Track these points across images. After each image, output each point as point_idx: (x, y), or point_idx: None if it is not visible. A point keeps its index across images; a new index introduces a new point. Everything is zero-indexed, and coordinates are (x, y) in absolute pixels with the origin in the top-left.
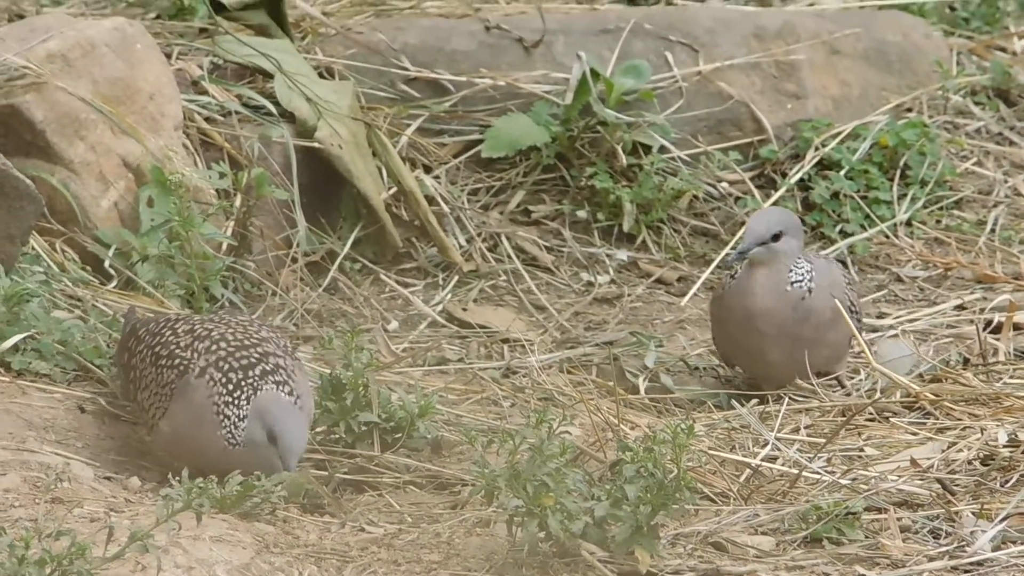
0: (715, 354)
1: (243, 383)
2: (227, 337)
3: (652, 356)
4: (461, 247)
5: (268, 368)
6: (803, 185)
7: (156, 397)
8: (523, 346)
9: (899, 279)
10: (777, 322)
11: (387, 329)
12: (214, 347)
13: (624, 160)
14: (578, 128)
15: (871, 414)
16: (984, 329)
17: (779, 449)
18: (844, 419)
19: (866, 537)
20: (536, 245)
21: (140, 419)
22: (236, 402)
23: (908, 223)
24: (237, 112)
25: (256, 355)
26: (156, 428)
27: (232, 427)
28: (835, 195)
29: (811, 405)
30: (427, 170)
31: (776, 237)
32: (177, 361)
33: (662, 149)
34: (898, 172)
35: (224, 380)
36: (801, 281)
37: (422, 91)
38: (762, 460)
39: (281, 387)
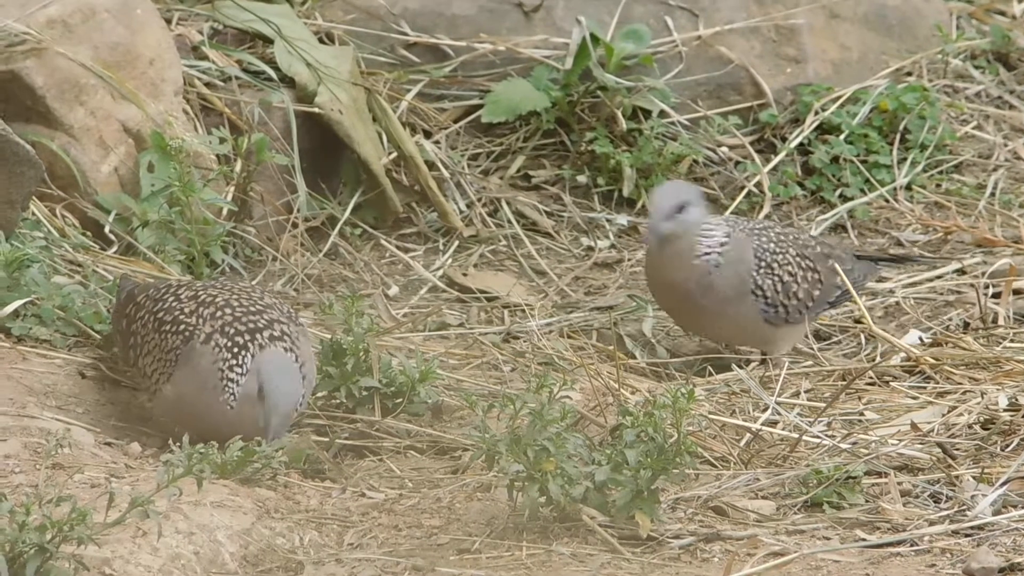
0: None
1: (248, 345)
2: (231, 303)
3: (649, 323)
4: (461, 212)
5: (275, 333)
6: (803, 149)
7: (160, 363)
8: (523, 311)
9: (899, 243)
10: (681, 293)
11: (387, 294)
12: (219, 313)
13: (624, 125)
14: (578, 93)
15: (871, 378)
16: (985, 293)
17: (779, 413)
18: (844, 383)
19: (866, 501)
20: (536, 210)
21: (141, 384)
22: (240, 364)
23: (908, 187)
24: (237, 77)
25: (263, 321)
26: (159, 393)
27: (234, 388)
28: (835, 159)
29: (812, 369)
30: (427, 135)
31: (681, 209)
32: (182, 327)
33: (662, 114)
34: (898, 136)
35: (229, 344)
36: (710, 254)
37: (422, 56)
38: (762, 424)
39: (285, 348)
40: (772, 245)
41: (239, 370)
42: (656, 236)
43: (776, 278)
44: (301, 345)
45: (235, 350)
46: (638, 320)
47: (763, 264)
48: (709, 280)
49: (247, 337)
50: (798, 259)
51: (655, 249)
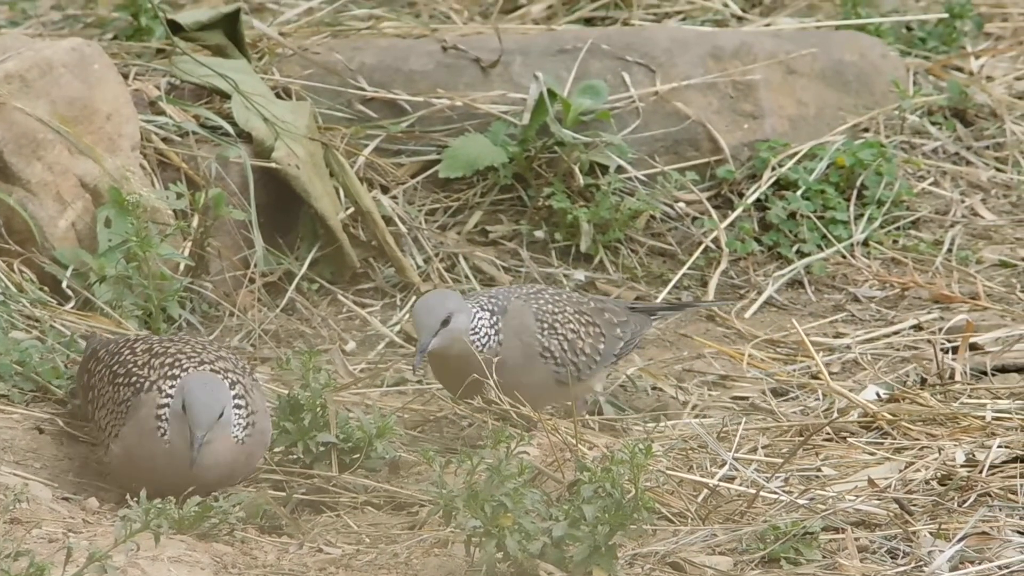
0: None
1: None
2: (185, 352)
3: (601, 380)
4: (419, 267)
5: (213, 369)
6: (760, 205)
7: (112, 415)
8: None
9: (856, 299)
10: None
11: (345, 350)
12: (168, 361)
13: (581, 180)
14: (535, 148)
15: (828, 434)
16: (942, 349)
17: (737, 469)
18: (802, 439)
19: (824, 557)
20: (494, 265)
21: (98, 438)
22: (172, 393)
23: (865, 243)
24: (194, 132)
25: (214, 370)
26: (109, 449)
27: (164, 415)
28: (792, 215)
29: (769, 424)
30: (384, 190)
31: (446, 321)
32: (134, 379)
33: (619, 169)
34: (855, 192)
35: (168, 386)
36: (487, 342)
37: (379, 111)
38: (720, 480)
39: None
40: (550, 306)
41: (169, 398)
42: (421, 357)
43: (561, 337)
44: (254, 397)
45: (172, 385)
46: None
47: (546, 326)
48: (499, 361)
49: (183, 372)
50: (577, 316)
51: (419, 368)
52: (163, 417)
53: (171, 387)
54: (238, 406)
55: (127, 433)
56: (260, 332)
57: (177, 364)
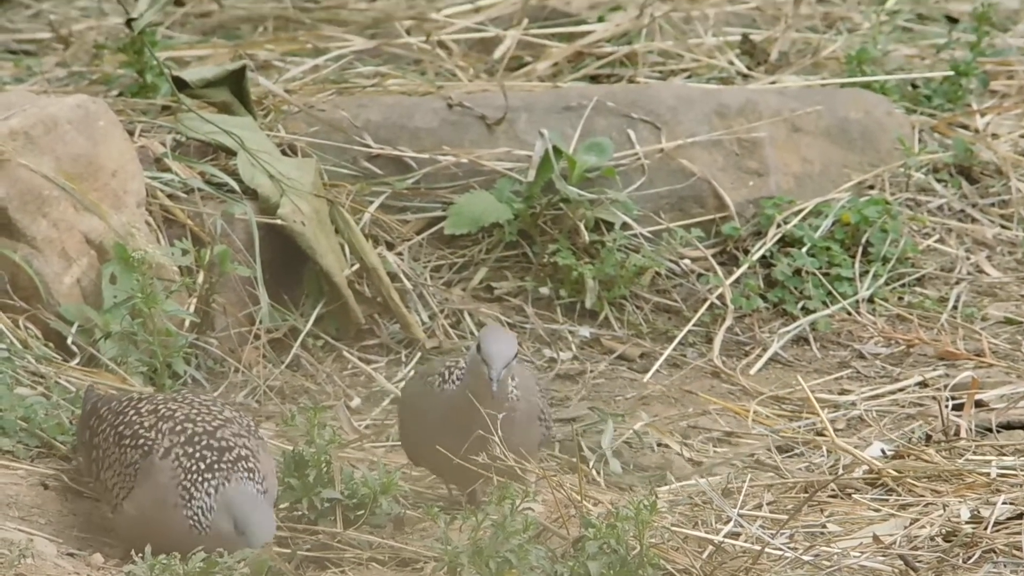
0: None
1: (213, 468)
2: (192, 417)
3: (608, 436)
4: (424, 324)
5: (237, 455)
6: (765, 262)
7: (120, 477)
8: None
9: (861, 356)
10: (477, 428)
11: (350, 406)
12: (178, 427)
13: (587, 237)
14: (541, 205)
15: (834, 490)
16: (947, 406)
17: (742, 525)
18: (807, 495)
19: None
20: (499, 322)
21: (103, 497)
22: (204, 487)
23: (870, 300)
24: (200, 189)
25: (224, 438)
26: (120, 508)
27: (200, 513)
28: (797, 272)
29: (774, 481)
30: (390, 247)
31: (515, 356)
32: (141, 441)
33: (624, 226)
34: (860, 249)
35: (189, 464)
36: (511, 392)
37: (385, 168)
38: (725, 536)
39: (250, 475)
40: (533, 370)
41: (202, 495)
42: (497, 384)
43: (546, 401)
44: (262, 459)
45: (198, 468)
46: (599, 433)
47: (541, 389)
48: (512, 417)
49: (210, 459)
50: (539, 380)
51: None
52: (192, 509)
53: (200, 472)
54: (250, 477)
55: (140, 496)
56: (265, 388)
57: (197, 436)
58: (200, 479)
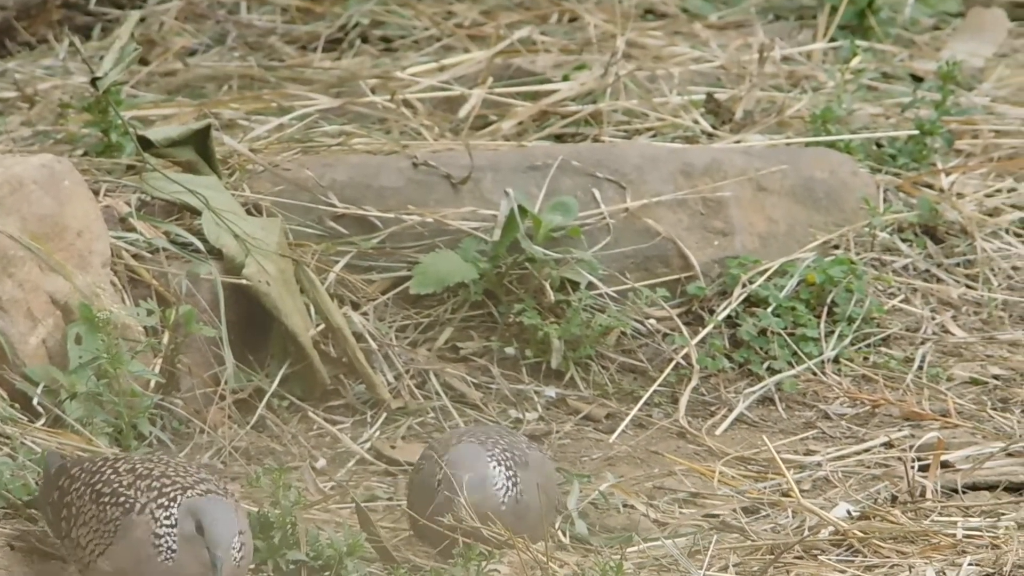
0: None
1: (177, 498)
2: (168, 474)
3: (574, 498)
4: (389, 384)
5: (207, 489)
6: (730, 322)
7: (97, 534)
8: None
9: (827, 416)
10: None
11: (315, 467)
12: (155, 483)
13: (552, 296)
14: (506, 264)
15: (800, 552)
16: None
17: None
18: (772, 557)
19: None
20: (464, 382)
21: (72, 555)
22: (169, 517)
23: (836, 360)
24: (165, 249)
25: (199, 492)
26: (93, 565)
27: (167, 537)
28: (762, 332)
29: (740, 543)
30: (355, 307)
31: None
32: (122, 499)
33: (590, 285)
34: (825, 309)
35: (161, 510)
36: (505, 492)
37: (350, 227)
38: None
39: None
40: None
41: (168, 523)
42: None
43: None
44: (240, 517)
45: (166, 509)
46: (565, 493)
47: (561, 478)
48: (516, 511)
49: (178, 494)
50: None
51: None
52: (164, 544)
53: (167, 515)
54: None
55: (117, 553)
56: (230, 449)
57: (164, 490)
58: (168, 512)
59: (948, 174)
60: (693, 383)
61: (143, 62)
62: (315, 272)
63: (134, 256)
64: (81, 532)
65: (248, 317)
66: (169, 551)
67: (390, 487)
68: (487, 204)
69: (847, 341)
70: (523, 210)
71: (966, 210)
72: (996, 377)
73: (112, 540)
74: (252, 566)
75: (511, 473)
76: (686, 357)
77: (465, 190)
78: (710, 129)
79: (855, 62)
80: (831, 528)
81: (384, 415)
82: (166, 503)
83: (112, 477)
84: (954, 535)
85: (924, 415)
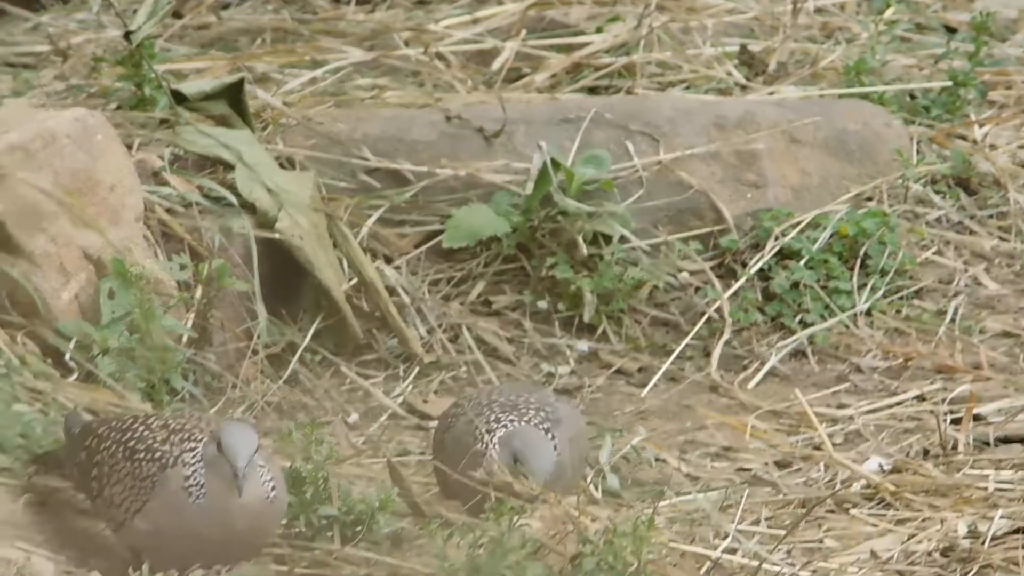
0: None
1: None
2: (200, 427)
3: (606, 452)
4: (422, 338)
5: None
6: (763, 275)
7: (132, 491)
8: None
9: (859, 370)
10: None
11: (347, 421)
12: (188, 436)
13: (584, 250)
14: (539, 218)
15: (831, 505)
16: (945, 420)
17: (739, 541)
18: (804, 511)
19: None
20: (497, 336)
21: (106, 515)
22: (195, 455)
23: (868, 313)
24: (198, 203)
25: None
26: (129, 524)
27: (195, 478)
28: (795, 285)
29: (772, 497)
30: (388, 261)
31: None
32: (158, 455)
33: (622, 239)
34: (858, 262)
35: (189, 453)
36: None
37: (383, 181)
38: (722, 552)
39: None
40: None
41: (195, 461)
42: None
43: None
44: (273, 465)
45: (192, 452)
46: (597, 448)
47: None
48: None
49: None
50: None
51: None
52: (194, 481)
53: (193, 456)
54: (260, 465)
55: (154, 510)
56: (263, 404)
57: (195, 437)
58: (194, 456)
59: (981, 125)
60: (725, 336)
61: (176, 15)
62: (348, 226)
63: (167, 210)
64: (115, 490)
65: (281, 271)
66: (199, 489)
67: (422, 442)
68: (520, 157)
69: (880, 294)
70: (556, 163)
71: (999, 162)
72: None
73: (148, 497)
74: (283, 522)
75: (550, 435)
76: (718, 310)
77: (498, 143)
78: (743, 81)
79: (889, 13)
80: (863, 482)
81: (417, 369)
82: (193, 445)
83: (145, 434)
84: (986, 488)
85: (956, 368)
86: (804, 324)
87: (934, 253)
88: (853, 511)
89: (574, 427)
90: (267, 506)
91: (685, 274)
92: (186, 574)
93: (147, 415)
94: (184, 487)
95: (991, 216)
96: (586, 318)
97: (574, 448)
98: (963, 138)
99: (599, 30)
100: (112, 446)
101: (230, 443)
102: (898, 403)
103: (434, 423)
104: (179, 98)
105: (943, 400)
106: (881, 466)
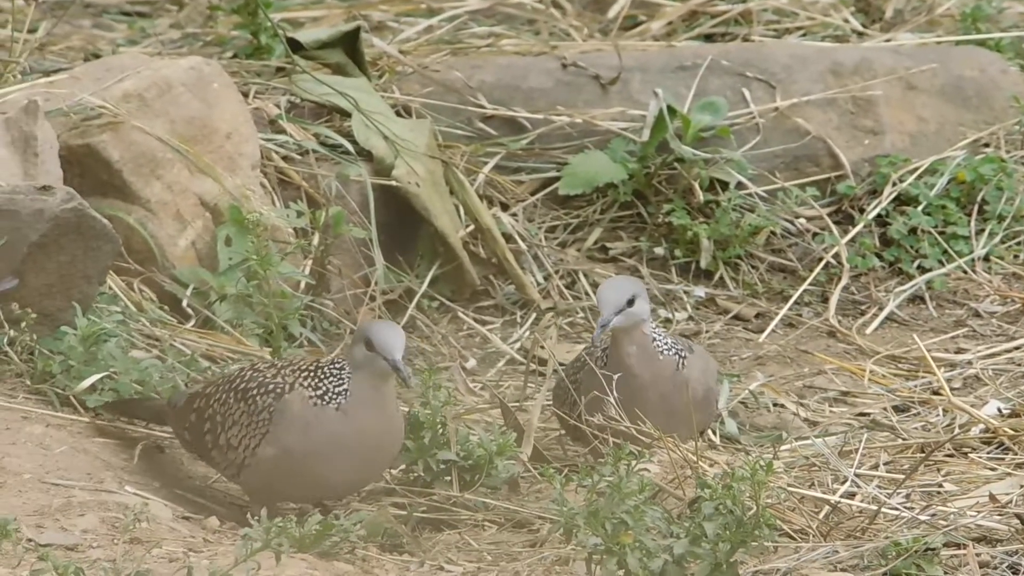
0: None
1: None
2: (308, 360)
3: (724, 397)
4: (538, 284)
5: None
6: (881, 221)
7: (250, 428)
8: None
9: (977, 314)
10: (659, 391)
11: (465, 367)
12: (298, 368)
13: (701, 197)
14: (655, 165)
15: (950, 450)
16: None
17: (858, 485)
18: (923, 455)
19: (945, 573)
20: None
21: (224, 461)
22: (330, 374)
23: (986, 258)
24: (314, 151)
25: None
26: (251, 460)
27: (330, 393)
28: (912, 231)
29: (890, 441)
30: (504, 208)
31: (631, 302)
32: (271, 387)
33: (739, 185)
34: (975, 207)
35: (311, 378)
36: (669, 350)
37: (499, 129)
38: (841, 497)
39: None
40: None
41: (331, 381)
42: (602, 329)
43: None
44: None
45: (314, 376)
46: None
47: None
48: (681, 377)
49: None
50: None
51: (599, 343)
52: (330, 393)
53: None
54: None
55: (278, 434)
56: None
57: (307, 368)
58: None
59: None
60: (843, 282)
61: None
62: (464, 173)
63: (284, 158)
64: (232, 433)
65: (398, 218)
66: (341, 396)
67: (540, 387)
68: (636, 105)
69: (997, 239)
70: (672, 110)
71: None
72: None
73: (268, 428)
74: (402, 467)
75: (676, 342)
76: (836, 256)
77: (614, 91)
78: (860, 28)
79: None
80: (981, 426)
81: (533, 315)
82: (313, 370)
83: (254, 375)
84: None
85: None
86: (922, 269)
87: None
88: (972, 455)
89: (704, 361)
90: (401, 421)
91: (802, 220)
92: (305, 518)
93: (252, 364)
94: (314, 403)
95: None
96: (703, 264)
97: (706, 379)
98: None
99: None
100: (222, 395)
101: (383, 339)
102: (1016, 347)
103: (546, 369)
104: (295, 46)
105: None
106: (1000, 410)
